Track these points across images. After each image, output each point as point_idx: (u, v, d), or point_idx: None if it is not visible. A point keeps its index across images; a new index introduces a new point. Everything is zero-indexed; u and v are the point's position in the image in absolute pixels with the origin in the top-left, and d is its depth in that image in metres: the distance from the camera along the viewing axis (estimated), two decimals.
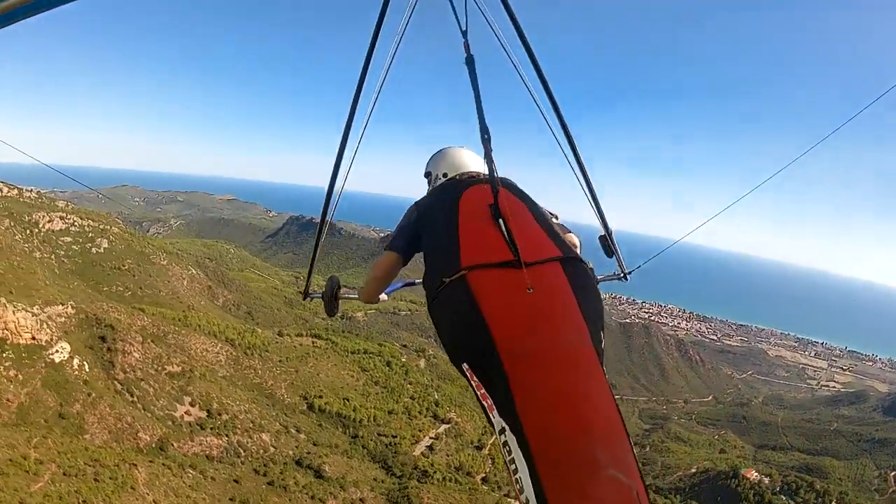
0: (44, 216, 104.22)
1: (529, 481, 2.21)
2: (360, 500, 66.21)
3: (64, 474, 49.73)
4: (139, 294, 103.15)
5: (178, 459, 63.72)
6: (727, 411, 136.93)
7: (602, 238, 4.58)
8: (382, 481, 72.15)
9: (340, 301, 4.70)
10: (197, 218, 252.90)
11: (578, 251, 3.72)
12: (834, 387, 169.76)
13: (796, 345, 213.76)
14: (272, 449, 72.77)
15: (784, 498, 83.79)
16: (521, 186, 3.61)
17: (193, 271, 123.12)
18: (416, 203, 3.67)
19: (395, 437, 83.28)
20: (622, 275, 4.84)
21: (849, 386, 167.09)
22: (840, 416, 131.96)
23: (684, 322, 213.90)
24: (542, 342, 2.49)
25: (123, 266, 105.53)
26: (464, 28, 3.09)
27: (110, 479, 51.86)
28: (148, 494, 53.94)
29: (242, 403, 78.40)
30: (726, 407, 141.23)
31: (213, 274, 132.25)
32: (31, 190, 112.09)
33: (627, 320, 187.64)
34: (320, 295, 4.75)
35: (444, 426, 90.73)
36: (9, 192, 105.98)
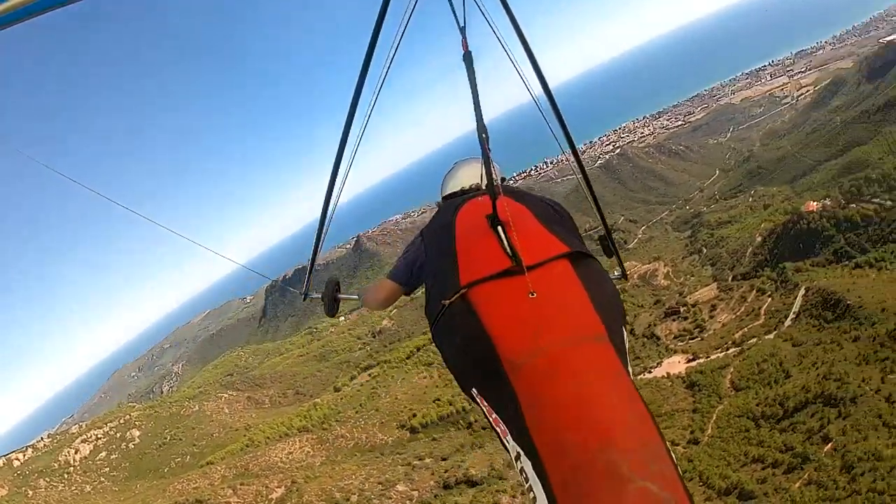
0: None
1: None
2: None
3: None
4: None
5: None
6: (744, 175, 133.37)
7: (602, 238, 4.68)
8: None
9: (340, 302, 4.70)
10: None
11: None
12: (809, 90, 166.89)
13: (750, 79, 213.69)
14: None
15: None
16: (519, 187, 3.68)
17: None
18: (420, 231, 3.53)
19: None
20: (623, 275, 5.00)
21: (820, 82, 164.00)
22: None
23: (646, 129, 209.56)
24: (548, 347, 2.27)
25: None
26: (462, 24, 2.94)
27: None
28: None
29: None
30: (739, 172, 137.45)
31: None
32: None
33: (600, 162, 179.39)
34: (320, 296, 4.73)
35: None
36: None
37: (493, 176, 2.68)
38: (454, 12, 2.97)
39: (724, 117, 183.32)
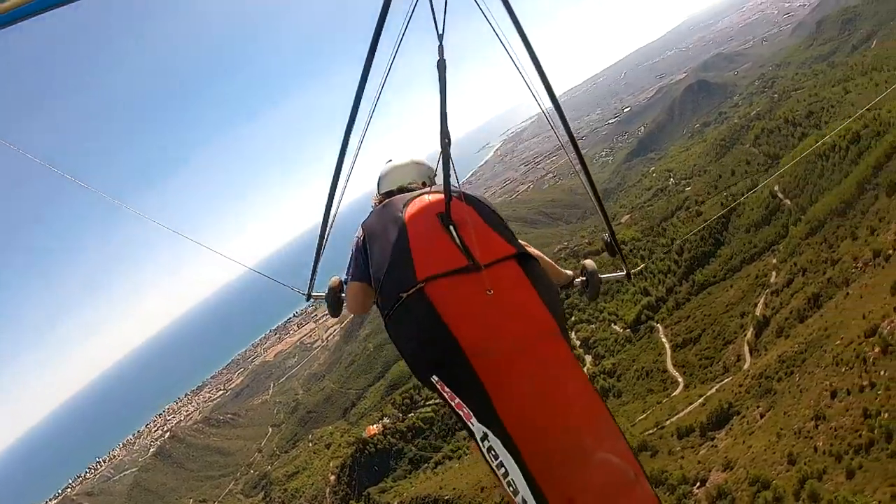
0: None
1: (523, 481, 2.21)
2: None
3: None
4: None
5: None
6: (297, 423, 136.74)
7: (605, 240, 4.67)
8: None
9: (343, 302, 4.55)
10: None
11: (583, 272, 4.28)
12: (336, 329, 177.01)
13: (279, 333, 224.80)
14: None
15: None
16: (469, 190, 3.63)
17: None
18: (361, 225, 3.60)
19: None
20: (626, 274, 5.08)
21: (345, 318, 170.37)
22: None
23: (190, 405, 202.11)
24: (511, 340, 2.52)
25: None
26: (440, 31, 2.93)
27: None
28: None
29: None
30: (292, 423, 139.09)
31: None
32: None
33: (153, 450, 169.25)
34: (324, 296, 4.63)
35: None
36: None
37: (451, 178, 2.91)
38: (434, 18, 2.86)
39: (262, 375, 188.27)
